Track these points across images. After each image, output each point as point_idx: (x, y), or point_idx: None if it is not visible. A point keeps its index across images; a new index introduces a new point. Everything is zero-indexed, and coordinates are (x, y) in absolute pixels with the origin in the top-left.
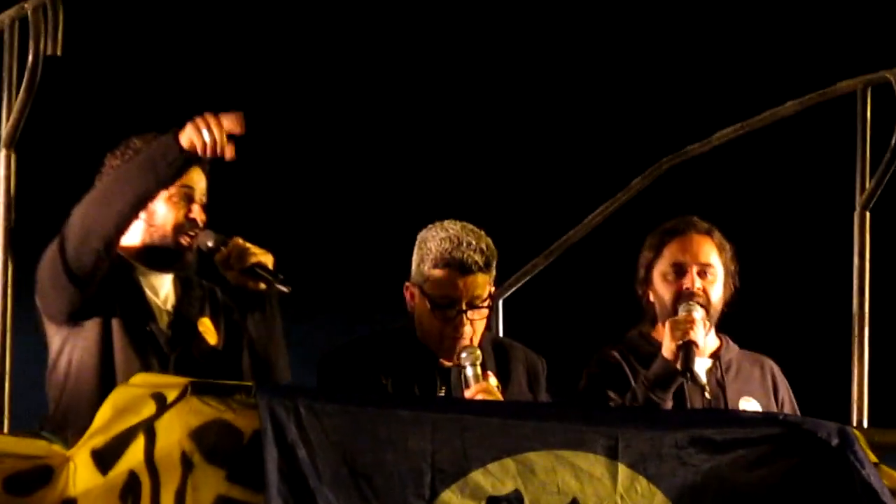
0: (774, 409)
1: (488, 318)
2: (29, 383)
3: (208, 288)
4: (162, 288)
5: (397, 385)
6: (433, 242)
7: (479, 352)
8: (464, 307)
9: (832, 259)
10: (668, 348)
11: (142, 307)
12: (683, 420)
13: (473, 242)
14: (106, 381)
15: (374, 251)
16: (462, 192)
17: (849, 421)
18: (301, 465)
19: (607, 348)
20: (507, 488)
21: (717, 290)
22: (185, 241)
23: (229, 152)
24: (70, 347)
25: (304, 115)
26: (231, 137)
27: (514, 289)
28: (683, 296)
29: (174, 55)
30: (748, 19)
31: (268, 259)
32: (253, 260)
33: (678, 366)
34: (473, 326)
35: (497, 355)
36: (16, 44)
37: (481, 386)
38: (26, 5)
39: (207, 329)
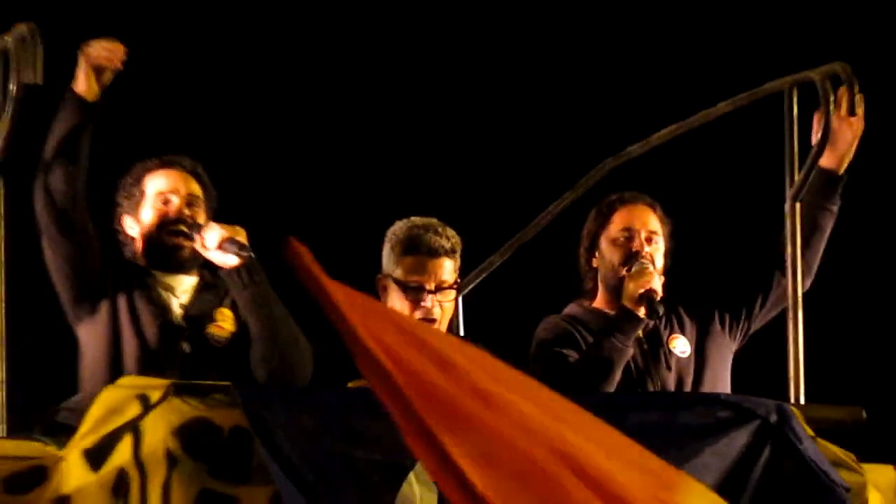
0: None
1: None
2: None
3: None
4: (180, 287)
5: None
6: (401, 232)
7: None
8: (433, 288)
9: (765, 247)
10: (629, 297)
11: (154, 303)
12: (629, 404)
13: (439, 230)
14: (117, 374)
15: (345, 249)
16: (420, 201)
17: (786, 398)
18: (285, 455)
19: (551, 318)
20: None
21: (659, 259)
22: (170, 239)
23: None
24: (85, 342)
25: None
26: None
27: (471, 286)
28: (634, 255)
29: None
30: (677, 27)
31: (237, 233)
32: (220, 236)
33: (641, 313)
34: (442, 308)
35: None
36: None
37: None
38: (7, 38)
39: (226, 317)
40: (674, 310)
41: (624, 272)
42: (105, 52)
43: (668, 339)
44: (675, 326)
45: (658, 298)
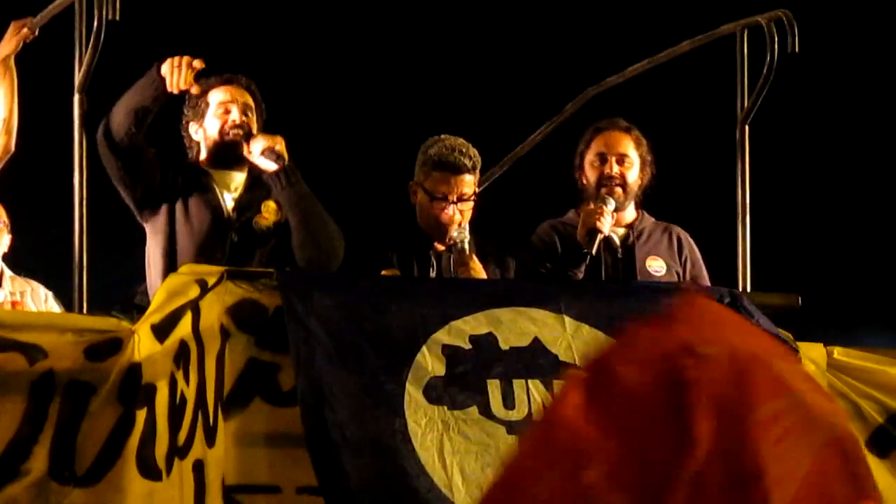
0: (678, 267)
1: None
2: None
3: None
4: (233, 183)
5: (400, 261)
6: (433, 149)
7: (467, 232)
8: (455, 199)
9: (719, 163)
10: (579, 233)
11: (207, 197)
12: (610, 291)
13: (463, 150)
14: (170, 263)
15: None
16: (432, 122)
17: (736, 286)
18: (311, 335)
19: (547, 224)
20: (482, 331)
21: (633, 175)
22: (229, 138)
23: (187, 84)
24: (149, 236)
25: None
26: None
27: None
28: (604, 178)
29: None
30: None
31: (276, 142)
32: (263, 146)
33: (585, 249)
34: (462, 216)
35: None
36: (84, 11)
37: (468, 265)
38: None
39: (270, 210)
40: (669, 236)
41: (597, 193)
42: (173, 73)
43: (645, 257)
44: (659, 248)
45: (601, 237)
